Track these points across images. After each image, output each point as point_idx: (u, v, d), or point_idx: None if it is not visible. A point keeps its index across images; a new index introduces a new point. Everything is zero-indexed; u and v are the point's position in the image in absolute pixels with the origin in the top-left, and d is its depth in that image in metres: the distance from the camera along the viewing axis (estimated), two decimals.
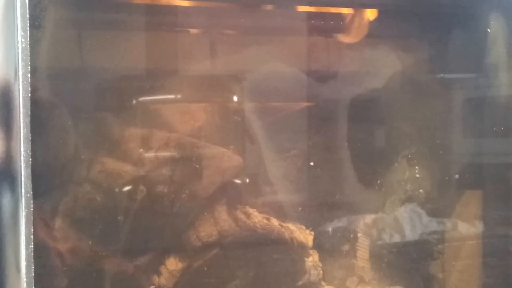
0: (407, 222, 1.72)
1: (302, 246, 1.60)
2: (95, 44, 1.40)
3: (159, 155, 1.47)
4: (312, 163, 1.66)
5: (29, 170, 1.09)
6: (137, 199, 1.43)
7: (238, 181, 1.58)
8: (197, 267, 1.49)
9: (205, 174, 1.50)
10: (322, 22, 1.65)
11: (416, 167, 1.72)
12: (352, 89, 1.69)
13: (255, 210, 1.58)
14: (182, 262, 1.49)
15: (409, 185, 1.71)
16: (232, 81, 1.58)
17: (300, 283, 1.59)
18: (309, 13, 1.62)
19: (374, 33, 1.67)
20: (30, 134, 1.09)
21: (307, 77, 1.67)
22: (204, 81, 1.55)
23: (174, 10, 1.51)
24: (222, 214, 1.53)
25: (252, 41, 1.59)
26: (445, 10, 1.66)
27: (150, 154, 1.46)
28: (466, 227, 1.75)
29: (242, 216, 1.55)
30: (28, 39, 1.09)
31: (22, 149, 1.09)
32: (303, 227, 1.63)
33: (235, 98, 1.60)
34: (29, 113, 1.09)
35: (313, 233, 1.63)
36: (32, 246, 1.09)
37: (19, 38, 1.08)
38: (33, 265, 1.10)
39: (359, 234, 1.69)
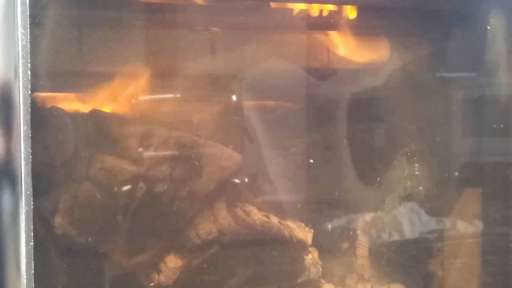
0: (406, 219, 1.72)
1: (301, 244, 1.60)
2: (95, 42, 1.40)
3: (158, 152, 1.47)
4: (311, 161, 1.66)
5: (29, 168, 1.09)
6: (136, 196, 1.43)
7: (237, 178, 1.58)
8: (196, 265, 1.50)
9: (205, 171, 1.50)
10: (321, 20, 1.65)
11: (416, 165, 1.72)
12: (351, 87, 1.69)
13: (254, 207, 1.58)
14: (182, 260, 1.49)
15: (408, 182, 1.71)
16: (232, 79, 1.58)
17: (299, 280, 1.59)
18: (308, 11, 1.62)
19: (374, 30, 1.67)
20: (30, 132, 1.09)
21: (306, 75, 1.67)
22: (204, 79, 1.55)
23: (173, 8, 1.51)
24: (221, 212, 1.53)
25: (252, 38, 1.59)
26: (445, 8, 1.66)
27: (150, 152, 1.46)
28: (465, 225, 1.75)
29: (242, 214, 1.55)
30: (29, 37, 1.09)
31: (22, 146, 1.09)
32: (303, 225, 1.63)
33: (235, 96, 1.60)
34: (29, 110, 1.09)
35: (312, 230, 1.63)
36: (32, 243, 1.10)
37: (19, 36, 1.08)
38: (33, 262, 1.10)
39: (358, 232, 1.69)
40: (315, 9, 1.61)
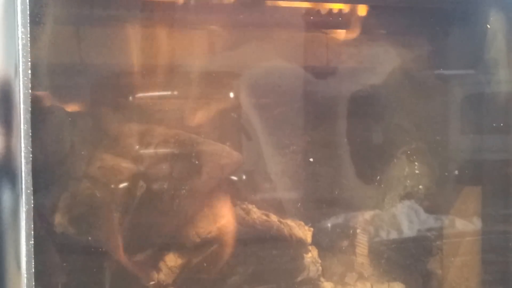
0: (406, 218, 1.72)
1: (301, 242, 1.60)
2: (95, 40, 1.40)
3: (158, 151, 1.47)
4: (311, 159, 1.66)
5: (30, 167, 1.09)
6: (136, 195, 1.43)
7: (237, 177, 1.58)
8: (196, 263, 1.50)
9: (205, 170, 1.50)
10: (320, 18, 1.65)
11: (416, 163, 1.72)
12: (351, 85, 1.69)
13: (254, 206, 1.58)
14: (182, 258, 1.49)
15: (408, 181, 1.71)
16: (232, 78, 1.58)
17: (299, 279, 1.60)
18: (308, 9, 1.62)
19: (373, 28, 1.67)
20: (30, 130, 1.09)
21: (306, 73, 1.67)
22: (204, 78, 1.55)
23: (172, 6, 1.51)
24: (221, 211, 1.53)
25: (251, 37, 1.59)
26: (444, 6, 1.66)
27: (150, 150, 1.46)
28: (465, 224, 1.76)
29: (241, 212, 1.55)
30: (29, 36, 1.08)
31: (22, 145, 1.09)
32: (302, 223, 1.63)
33: (235, 95, 1.60)
34: (30, 109, 1.09)
35: (312, 229, 1.63)
36: (33, 242, 1.09)
37: (20, 34, 1.08)
38: (33, 261, 1.10)
39: (358, 230, 1.69)
40: (314, 8, 1.61)
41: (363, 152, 1.70)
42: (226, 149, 1.55)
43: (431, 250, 1.74)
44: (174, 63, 1.53)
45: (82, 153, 1.38)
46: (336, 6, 1.63)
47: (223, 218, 1.52)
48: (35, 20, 1.12)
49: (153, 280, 1.48)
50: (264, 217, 1.57)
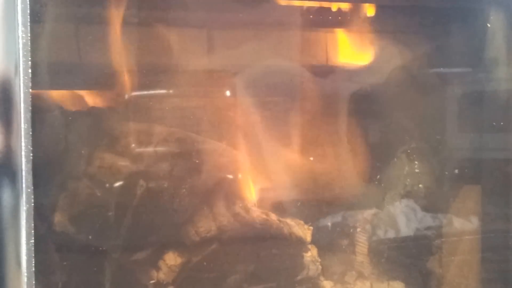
0: (406, 217, 1.72)
1: (300, 241, 1.60)
2: (95, 39, 1.40)
3: (158, 150, 1.47)
4: (311, 159, 1.66)
5: (30, 166, 1.09)
6: (136, 194, 1.43)
7: (236, 176, 1.58)
8: (196, 262, 1.50)
9: (204, 169, 1.51)
10: (320, 17, 1.65)
11: (416, 162, 1.72)
12: (351, 84, 1.69)
13: (253, 205, 1.58)
14: (181, 257, 1.49)
15: (408, 180, 1.72)
16: (232, 76, 1.59)
17: (298, 278, 1.60)
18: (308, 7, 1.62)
19: (373, 27, 1.67)
20: (31, 129, 1.09)
21: (307, 72, 1.67)
22: (203, 76, 1.56)
23: (172, 4, 1.51)
24: (220, 209, 1.54)
25: (251, 35, 1.59)
26: (443, 4, 1.66)
27: (150, 149, 1.46)
28: (464, 223, 1.76)
29: (241, 211, 1.55)
30: (29, 35, 1.08)
31: (23, 144, 1.09)
32: (302, 222, 1.63)
33: (235, 93, 1.60)
34: (30, 108, 1.09)
35: (311, 228, 1.63)
36: (33, 241, 1.09)
37: (20, 34, 1.08)
38: (33, 260, 1.10)
39: (358, 229, 1.69)
40: (316, 7, 1.62)
41: (363, 151, 1.71)
42: (226, 148, 1.55)
43: (430, 249, 1.74)
44: (174, 61, 1.53)
45: (83, 152, 1.38)
46: (337, 5, 1.64)
47: (223, 217, 1.52)
48: (36, 19, 1.12)
49: (152, 279, 1.48)
50: (264, 216, 1.57)
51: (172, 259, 1.49)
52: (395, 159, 1.71)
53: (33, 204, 1.09)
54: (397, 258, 1.71)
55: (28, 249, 1.09)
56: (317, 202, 1.67)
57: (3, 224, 1.15)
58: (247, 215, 1.55)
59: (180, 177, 1.47)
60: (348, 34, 1.70)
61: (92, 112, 1.44)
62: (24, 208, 1.09)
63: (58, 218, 1.35)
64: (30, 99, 1.09)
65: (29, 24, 1.08)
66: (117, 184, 1.42)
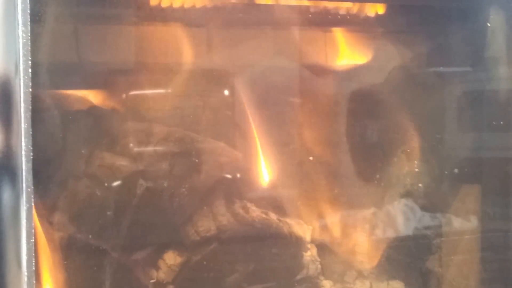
0: (405, 216, 1.72)
1: (300, 241, 1.60)
2: (96, 39, 1.40)
3: (158, 149, 1.47)
4: (311, 158, 1.66)
5: (30, 165, 1.09)
6: (136, 193, 1.43)
7: (236, 175, 1.58)
8: (195, 262, 1.50)
9: (204, 168, 1.51)
10: (320, 16, 1.65)
11: (415, 162, 1.72)
12: (351, 84, 1.69)
13: (253, 204, 1.59)
14: (181, 257, 1.49)
15: (408, 179, 1.72)
16: (231, 75, 1.59)
17: (298, 277, 1.60)
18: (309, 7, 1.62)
19: (373, 26, 1.67)
20: (31, 129, 1.09)
21: (307, 71, 1.67)
22: (203, 75, 1.56)
23: (171, 3, 1.51)
24: (220, 209, 1.54)
25: (252, 35, 1.59)
26: (443, 4, 1.66)
27: (149, 149, 1.46)
28: (464, 222, 1.76)
29: (240, 211, 1.55)
30: (29, 34, 1.08)
31: (23, 144, 1.09)
32: (301, 222, 1.63)
33: (234, 93, 1.60)
34: (30, 108, 1.09)
35: (311, 227, 1.63)
36: (33, 240, 1.10)
37: (20, 33, 1.08)
38: (33, 259, 1.10)
39: (358, 229, 1.69)
40: (315, 6, 1.61)
41: (363, 150, 1.71)
42: (226, 147, 1.56)
43: (430, 249, 1.74)
44: (173, 60, 1.53)
45: (83, 151, 1.38)
46: (335, 5, 1.64)
47: (222, 217, 1.52)
48: (36, 19, 1.12)
49: (152, 279, 1.48)
50: (263, 216, 1.57)
51: (171, 258, 1.49)
52: (395, 159, 1.71)
53: (33, 204, 1.09)
54: (397, 257, 1.71)
55: (28, 249, 1.09)
56: (317, 202, 1.67)
57: (4, 223, 1.15)
58: (246, 214, 1.55)
59: (179, 177, 1.48)
60: (348, 33, 1.70)
61: (92, 111, 1.44)
62: (24, 207, 1.09)
63: (58, 218, 1.35)
64: (30, 98, 1.09)
65: (29, 23, 1.08)
66: (117, 183, 1.42)
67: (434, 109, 1.75)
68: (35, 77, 1.09)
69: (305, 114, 1.67)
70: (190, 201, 1.50)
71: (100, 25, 1.41)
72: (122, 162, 1.43)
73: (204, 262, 1.50)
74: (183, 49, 1.53)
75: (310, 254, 1.62)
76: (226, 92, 1.60)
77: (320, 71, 1.69)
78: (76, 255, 1.38)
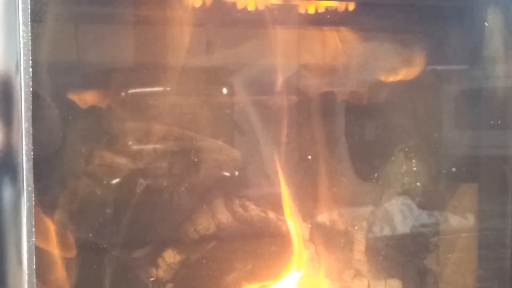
0: (403, 215, 1.72)
1: (298, 239, 1.60)
2: (96, 38, 1.40)
3: (157, 148, 1.47)
4: (309, 157, 1.66)
5: (31, 164, 1.09)
6: (135, 192, 1.43)
7: (235, 174, 1.59)
8: (194, 260, 1.50)
9: (203, 167, 1.51)
10: (318, 16, 1.65)
11: (413, 161, 1.72)
12: (349, 83, 1.70)
13: (252, 203, 1.59)
14: (180, 255, 1.49)
15: (406, 178, 1.72)
16: (231, 75, 1.59)
17: (297, 275, 1.60)
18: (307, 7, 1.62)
19: (370, 25, 1.68)
20: (31, 128, 1.09)
21: (304, 70, 1.67)
22: (202, 74, 1.56)
23: (170, 3, 1.51)
24: (219, 207, 1.54)
25: (250, 34, 1.60)
26: (440, 3, 1.66)
27: (149, 147, 1.47)
28: (462, 220, 1.76)
29: (239, 209, 1.56)
30: (30, 34, 1.09)
31: (23, 143, 1.09)
32: (300, 220, 1.63)
33: (233, 92, 1.60)
34: (31, 107, 1.09)
35: (310, 226, 1.64)
36: (34, 239, 1.10)
37: (21, 33, 1.08)
38: (34, 258, 1.10)
39: (356, 227, 1.69)
40: (312, 6, 1.62)
41: (361, 149, 1.71)
42: (225, 146, 1.56)
43: (428, 247, 1.74)
44: (173, 60, 1.53)
45: (83, 150, 1.38)
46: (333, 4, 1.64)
47: (221, 215, 1.53)
48: (36, 18, 1.12)
49: (152, 277, 1.48)
50: (262, 214, 1.57)
51: (171, 256, 1.49)
52: (393, 157, 1.72)
53: (34, 203, 1.10)
54: (395, 255, 1.71)
55: (29, 247, 1.10)
56: (316, 200, 1.67)
57: (4, 222, 1.15)
58: (245, 213, 1.55)
59: (179, 175, 1.48)
60: (345, 32, 1.70)
61: (92, 110, 1.44)
62: (25, 206, 1.09)
63: (58, 216, 1.35)
64: (31, 98, 1.09)
65: (30, 23, 1.08)
66: (117, 182, 1.43)
67: (432, 107, 1.75)
68: (35, 77, 1.09)
69: (304, 113, 1.68)
70: (189, 200, 1.50)
71: (100, 24, 1.42)
72: (122, 161, 1.43)
73: (203, 260, 1.50)
74: (183, 48, 1.53)
75: (308, 252, 1.62)
76: (225, 91, 1.61)
77: (317, 70, 1.69)
78: (76, 253, 1.38)
